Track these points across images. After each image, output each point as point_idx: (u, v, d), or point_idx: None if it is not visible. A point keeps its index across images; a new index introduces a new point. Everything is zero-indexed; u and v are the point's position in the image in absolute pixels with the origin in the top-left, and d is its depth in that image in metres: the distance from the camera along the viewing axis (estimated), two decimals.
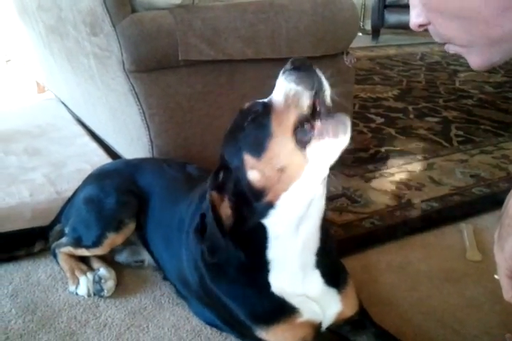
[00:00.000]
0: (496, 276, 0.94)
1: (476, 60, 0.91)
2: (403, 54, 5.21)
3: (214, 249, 1.04)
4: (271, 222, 1.03)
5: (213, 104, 1.77)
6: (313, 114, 0.97)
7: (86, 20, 1.66)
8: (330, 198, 1.97)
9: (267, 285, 1.08)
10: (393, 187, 2.11)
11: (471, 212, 1.92)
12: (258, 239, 1.05)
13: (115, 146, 2.06)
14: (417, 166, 2.34)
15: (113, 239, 1.40)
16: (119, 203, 1.40)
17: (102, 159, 1.98)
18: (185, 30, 1.59)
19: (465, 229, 1.78)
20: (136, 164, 1.57)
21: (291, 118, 0.95)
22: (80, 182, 1.60)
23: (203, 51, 1.64)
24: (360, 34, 6.13)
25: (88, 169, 1.86)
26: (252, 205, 1.02)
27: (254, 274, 1.09)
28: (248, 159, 0.99)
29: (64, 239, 1.50)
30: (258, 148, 0.97)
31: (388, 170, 2.28)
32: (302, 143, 0.94)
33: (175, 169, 1.49)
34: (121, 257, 1.54)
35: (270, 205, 1.01)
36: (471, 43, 0.88)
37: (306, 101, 0.95)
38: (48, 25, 2.16)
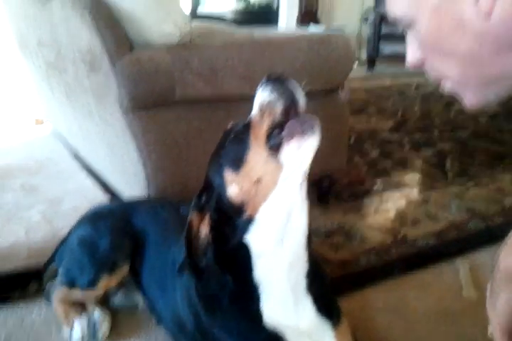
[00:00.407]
0: (489, 332, 0.93)
1: (471, 98, 0.93)
2: (398, 84, 5.26)
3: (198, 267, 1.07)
4: (252, 238, 1.02)
5: (210, 140, 1.76)
6: (287, 120, 0.99)
7: (85, 58, 1.68)
8: (326, 234, 1.98)
9: (260, 314, 1.07)
10: (389, 222, 2.11)
11: (467, 248, 1.92)
12: (242, 258, 1.04)
13: (112, 182, 2.06)
14: (412, 200, 2.34)
15: (107, 281, 1.39)
16: (113, 245, 1.40)
17: (99, 195, 1.98)
18: (183, 68, 1.61)
19: (461, 266, 1.78)
20: (131, 205, 1.58)
21: (264, 126, 0.98)
22: (75, 220, 1.59)
23: (200, 89, 1.66)
24: (356, 64, 6.20)
25: (84, 206, 1.85)
26: (233, 222, 1.03)
27: (245, 302, 1.08)
28: (228, 174, 1.02)
29: (58, 281, 1.49)
30: (237, 163, 1.00)
31: (384, 205, 2.28)
32: (274, 148, 0.96)
33: (168, 210, 1.49)
34: (116, 300, 1.53)
35: (250, 220, 1.01)
36: (466, 82, 0.90)
37: (278, 108, 0.97)
38: (47, 61, 2.19)
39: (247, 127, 1.02)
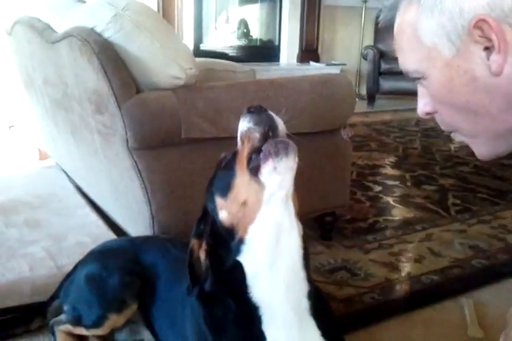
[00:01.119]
0: None
1: (481, 150, 0.96)
2: (399, 119, 5.31)
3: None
4: (245, 258, 1.06)
5: None
6: None
7: (91, 99, 1.72)
8: (330, 271, 1.98)
9: (263, 337, 1.07)
10: (393, 259, 2.11)
11: (471, 285, 1.92)
12: (238, 279, 1.07)
13: (116, 218, 2.07)
14: (415, 237, 2.35)
15: (114, 320, 1.38)
16: (122, 283, 1.39)
17: (103, 231, 1.98)
18: (188, 109, 1.64)
19: (466, 304, 1.78)
20: (141, 243, 1.58)
21: (245, 152, 1.04)
22: (79, 257, 1.59)
23: (205, 129, 1.69)
24: (356, 99, 6.27)
25: (88, 242, 1.86)
26: (229, 244, 1.07)
27: (248, 325, 1.08)
28: (218, 201, 1.08)
29: (63, 317, 1.48)
30: (225, 189, 1.06)
31: (387, 241, 2.29)
32: (254, 171, 1.01)
33: (179, 248, 1.49)
34: (121, 336, 1.51)
35: (241, 241, 1.06)
36: (476, 134, 0.93)
37: (256, 135, 1.03)
38: (53, 99, 2.23)
39: (233, 156, 1.09)
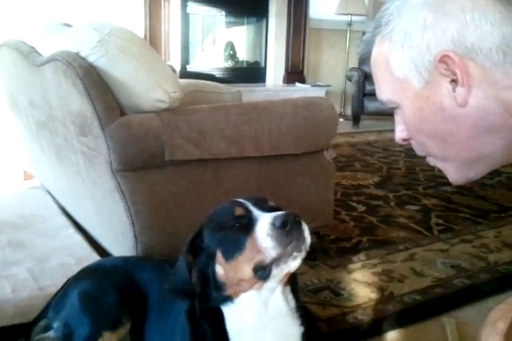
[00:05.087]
0: None
1: (452, 174, 1.01)
2: (383, 140, 5.37)
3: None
4: (229, 313, 1.09)
5: (198, 200, 1.82)
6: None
7: (75, 121, 1.73)
8: (313, 291, 1.99)
9: None
10: (376, 278, 2.13)
11: (453, 305, 1.94)
12: (219, 325, 1.09)
13: (99, 239, 2.07)
14: (398, 257, 2.36)
15: (108, 337, 1.35)
16: (117, 302, 1.38)
17: (86, 252, 1.98)
18: (172, 132, 1.66)
19: (447, 323, 1.79)
20: (135, 262, 1.58)
21: (255, 259, 1.03)
22: (62, 278, 1.58)
23: (189, 151, 1.71)
24: (342, 120, 6.35)
25: (72, 263, 1.86)
26: (214, 288, 1.10)
27: None
28: (219, 255, 1.08)
29: (52, 333, 1.42)
30: (228, 254, 1.06)
31: (371, 261, 2.30)
32: (261, 278, 1.04)
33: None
34: None
35: (229, 298, 1.08)
36: (447, 160, 0.98)
37: (272, 253, 1.01)
38: (37, 121, 2.24)
39: (249, 228, 1.06)
